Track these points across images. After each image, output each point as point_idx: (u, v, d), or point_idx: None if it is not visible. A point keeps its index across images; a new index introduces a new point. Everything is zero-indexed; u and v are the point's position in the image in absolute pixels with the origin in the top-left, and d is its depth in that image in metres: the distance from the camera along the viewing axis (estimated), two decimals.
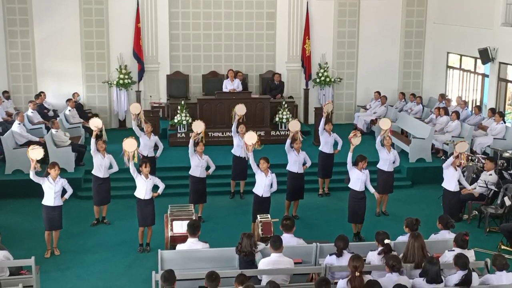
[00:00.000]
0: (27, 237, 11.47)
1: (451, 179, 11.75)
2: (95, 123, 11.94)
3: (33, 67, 18.45)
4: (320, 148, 13.79)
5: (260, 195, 11.15)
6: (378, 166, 12.74)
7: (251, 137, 11.41)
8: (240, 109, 13.74)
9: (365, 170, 11.28)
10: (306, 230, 11.57)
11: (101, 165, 11.87)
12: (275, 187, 11.22)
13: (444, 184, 11.89)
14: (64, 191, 10.77)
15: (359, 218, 11.42)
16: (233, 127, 13.45)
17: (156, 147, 13.46)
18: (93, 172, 11.98)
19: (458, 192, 11.90)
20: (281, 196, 12.47)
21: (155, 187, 11.05)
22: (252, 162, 11.25)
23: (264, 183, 11.08)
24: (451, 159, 11.68)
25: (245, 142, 11.54)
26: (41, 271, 9.08)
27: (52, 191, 10.48)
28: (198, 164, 12.10)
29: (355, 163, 11.32)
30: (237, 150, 13.32)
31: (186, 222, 9.26)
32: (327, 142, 13.64)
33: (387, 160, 12.56)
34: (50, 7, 18.17)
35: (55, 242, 10.84)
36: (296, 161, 12.35)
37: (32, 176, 10.40)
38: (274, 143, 15.49)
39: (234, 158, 13.44)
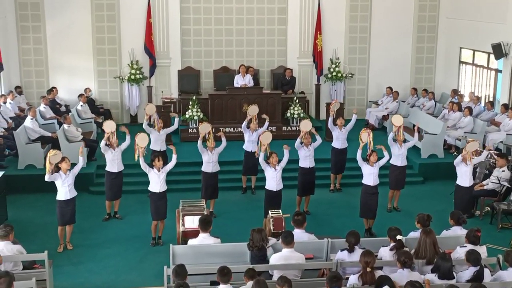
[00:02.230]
0: (40, 231, 11.55)
1: (463, 175, 11.70)
2: (111, 126, 11.91)
3: (45, 62, 18.53)
4: (332, 144, 13.78)
5: (275, 190, 11.24)
6: (390, 161, 12.68)
7: (267, 137, 11.58)
8: (253, 110, 13.76)
9: (376, 164, 11.30)
10: (317, 226, 11.56)
11: (114, 159, 11.91)
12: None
13: (458, 181, 11.81)
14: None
15: (371, 214, 11.41)
16: (244, 123, 13.47)
17: (167, 138, 13.56)
18: (106, 169, 12.01)
19: (471, 187, 11.87)
20: (292, 192, 12.49)
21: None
22: (261, 160, 11.34)
23: (275, 176, 11.18)
24: (460, 157, 11.65)
25: (260, 141, 11.59)
26: (54, 265, 9.13)
27: (66, 184, 10.56)
28: (209, 160, 12.13)
29: (365, 159, 11.35)
30: (248, 145, 13.35)
31: (198, 217, 9.31)
32: (338, 138, 13.64)
33: (399, 156, 12.52)
34: (61, 2, 18.22)
35: (68, 236, 10.91)
36: (306, 156, 12.34)
37: (47, 178, 10.43)
38: (286, 139, 15.46)
39: (245, 154, 13.46)
